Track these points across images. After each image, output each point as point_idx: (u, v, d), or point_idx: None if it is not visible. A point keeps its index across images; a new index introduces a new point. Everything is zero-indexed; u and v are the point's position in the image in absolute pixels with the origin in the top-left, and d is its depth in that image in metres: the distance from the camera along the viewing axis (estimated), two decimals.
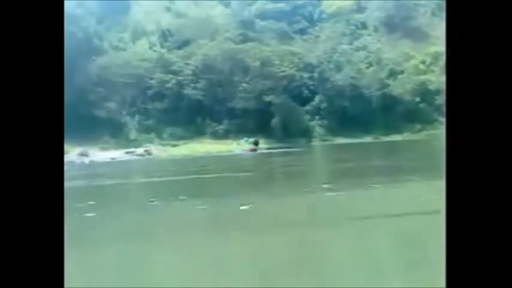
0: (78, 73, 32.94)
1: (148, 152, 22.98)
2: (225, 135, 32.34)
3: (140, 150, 23.24)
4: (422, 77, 36.49)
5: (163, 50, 39.13)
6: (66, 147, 22.54)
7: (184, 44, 39.13)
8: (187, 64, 37.11)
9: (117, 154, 20.88)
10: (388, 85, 38.17)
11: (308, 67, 38.99)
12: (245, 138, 17.00)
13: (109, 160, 17.93)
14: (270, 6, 45.26)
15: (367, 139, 32.92)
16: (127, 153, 21.80)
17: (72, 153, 20.80)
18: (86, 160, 19.10)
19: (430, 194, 4.32)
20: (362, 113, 36.00)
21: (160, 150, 25.35)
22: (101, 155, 21.08)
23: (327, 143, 33.02)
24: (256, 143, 18.94)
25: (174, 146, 28.91)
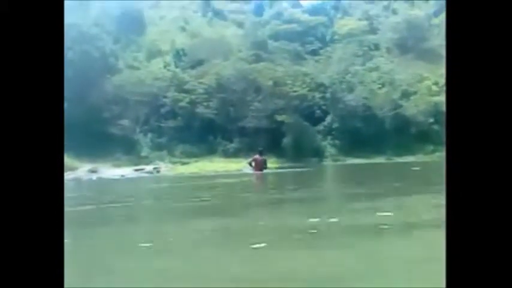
0: (94, 91, 33.58)
1: (157, 170, 23.08)
2: (235, 154, 32.39)
3: (149, 168, 23.36)
4: (436, 98, 36.22)
5: (177, 69, 39.72)
6: (77, 163, 22.85)
7: (198, 63, 39.69)
8: (200, 83, 37.52)
9: (127, 171, 21.05)
10: (401, 106, 38.01)
11: (320, 87, 39.10)
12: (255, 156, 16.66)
13: (118, 177, 18.07)
14: (283, 27, 45.88)
15: (380, 160, 32.60)
16: (136, 170, 21.93)
17: (81, 170, 21.04)
18: (94, 177, 19.26)
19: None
20: (374, 134, 35.79)
21: (169, 168, 25.48)
22: (111, 171, 21.26)
23: (339, 163, 32.78)
24: (252, 162, 16.62)
25: (184, 164, 29.05)
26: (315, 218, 3.88)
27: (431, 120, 36.11)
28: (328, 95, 38.36)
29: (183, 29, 45.89)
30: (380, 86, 39.67)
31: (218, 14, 49.64)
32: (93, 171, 20.73)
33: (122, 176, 18.82)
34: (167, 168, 25.16)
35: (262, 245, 2.77)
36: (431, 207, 4.48)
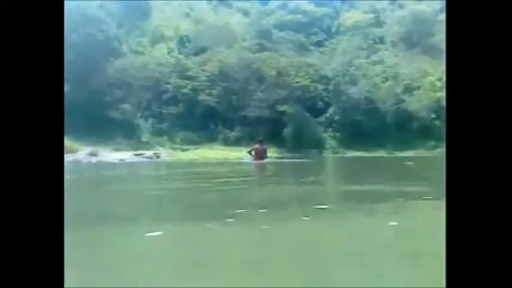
0: (96, 74, 33.51)
1: (157, 155, 23.15)
2: (236, 143, 32.44)
3: (149, 153, 23.43)
4: (438, 94, 36.11)
5: (180, 56, 39.58)
6: (77, 146, 22.90)
7: (201, 50, 39.52)
8: (203, 70, 37.41)
9: (127, 155, 21.10)
10: (404, 100, 37.91)
11: (323, 79, 38.99)
12: (256, 146, 16.54)
13: (117, 161, 18.12)
14: (288, 17, 45.57)
15: (381, 153, 32.61)
16: (136, 155, 21.99)
17: (81, 152, 21.10)
18: (94, 160, 19.32)
19: None
20: (376, 127, 35.76)
21: (169, 154, 25.55)
22: (111, 155, 21.32)
23: (338, 155, 32.80)
24: (252, 151, 16.35)
25: (184, 150, 29.10)
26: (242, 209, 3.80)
27: (434, 115, 36.07)
28: (331, 87, 38.26)
29: (188, 15, 45.61)
30: (383, 79, 39.53)
31: (223, 1, 49.31)
32: (93, 154, 20.80)
33: (121, 160, 18.87)
34: (167, 154, 25.23)
35: (158, 233, 2.79)
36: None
